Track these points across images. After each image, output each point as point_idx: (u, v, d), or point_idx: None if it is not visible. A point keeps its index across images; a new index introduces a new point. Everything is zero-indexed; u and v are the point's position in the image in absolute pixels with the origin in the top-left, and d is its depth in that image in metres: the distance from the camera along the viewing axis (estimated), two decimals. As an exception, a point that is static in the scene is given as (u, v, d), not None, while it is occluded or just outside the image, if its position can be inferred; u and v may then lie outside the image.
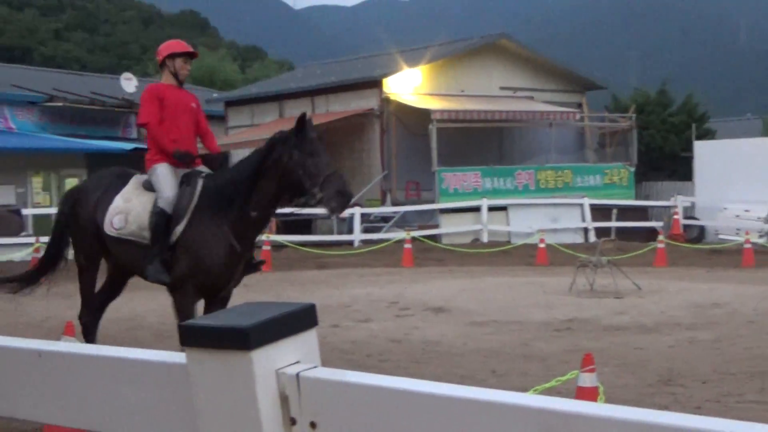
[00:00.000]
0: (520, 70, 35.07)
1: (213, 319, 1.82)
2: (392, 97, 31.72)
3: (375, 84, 32.11)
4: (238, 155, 25.62)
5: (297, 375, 1.72)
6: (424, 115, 30.26)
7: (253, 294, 15.00)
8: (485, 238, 28.74)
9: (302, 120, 8.03)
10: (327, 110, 33.25)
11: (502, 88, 34.19)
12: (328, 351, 10.37)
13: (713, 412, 8.00)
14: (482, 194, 29.64)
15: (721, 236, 29.22)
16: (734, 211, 29.51)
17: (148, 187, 8.65)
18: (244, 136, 33.21)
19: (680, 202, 30.90)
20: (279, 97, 35.41)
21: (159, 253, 8.32)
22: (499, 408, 1.52)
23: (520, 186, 30.71)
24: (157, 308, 13.42)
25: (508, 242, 28.08)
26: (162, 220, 8.34)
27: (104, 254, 9.01)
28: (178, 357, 1.89)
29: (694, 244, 28.20)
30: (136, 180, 8.83)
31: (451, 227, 29.09)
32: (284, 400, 1.72)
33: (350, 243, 27.57)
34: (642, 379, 9.40)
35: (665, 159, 36.17)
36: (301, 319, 1.80)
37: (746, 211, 29.19)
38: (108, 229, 8.63)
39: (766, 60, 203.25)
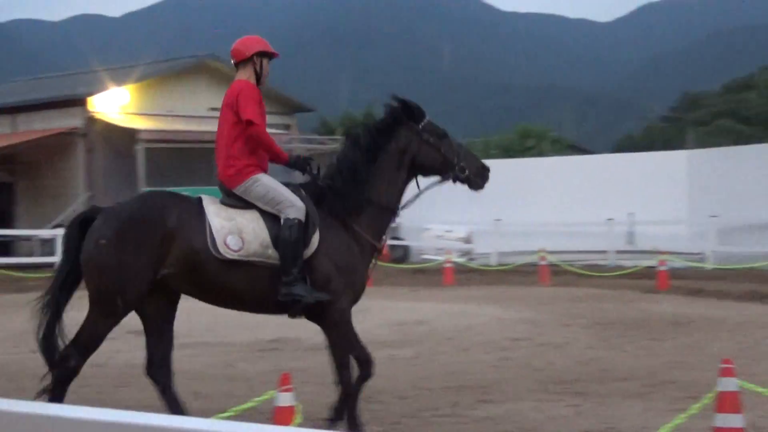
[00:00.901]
0: (230, 91, 35.03)
1: None
2: (98, 116, 30.94)
3: (80, 102, 31.24)
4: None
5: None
6: (131, 134, 29.67)
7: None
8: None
9: (406, 101, 7.81)
10: (30, 128, 31.96)
11: (211, 109, 34.02)
12: (26, 378, 9.92)
13: (410, 427, 8.26)
14: (191, 215, 29.31)
15: (424, 256, 30.28)
16: (437, 231, 30.68)
17: (231, 203, 7.54)
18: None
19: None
20: (-22, 114, 33.68)
21: (300, 270, 7.29)
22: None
23: (229, 207, 30.61)
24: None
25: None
26: (301, 233, 7.31)
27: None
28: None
29: (399, 263, 29.09)
30: (207, 199, 7.56)
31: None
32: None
33: (51, 265, 26.51)
34: (343, 396, 9.55)
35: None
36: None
37: (448, 231, 30.42)
38: (223, 251, 7.25)
39: (469, 84, 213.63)
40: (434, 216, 30.88)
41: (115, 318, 7.35)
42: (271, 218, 7.42)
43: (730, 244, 25.40)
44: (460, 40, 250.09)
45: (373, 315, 16.54)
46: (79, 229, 7.42)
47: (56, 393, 7.16)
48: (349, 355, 7.68)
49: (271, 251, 7.32)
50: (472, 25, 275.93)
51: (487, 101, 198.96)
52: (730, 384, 6.27)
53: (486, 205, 30.24)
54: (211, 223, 7.31)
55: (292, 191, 7.54)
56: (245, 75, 7.82)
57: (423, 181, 8.02)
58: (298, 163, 7.89)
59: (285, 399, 5.99)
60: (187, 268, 7.27)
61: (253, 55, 7.83)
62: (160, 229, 7.21)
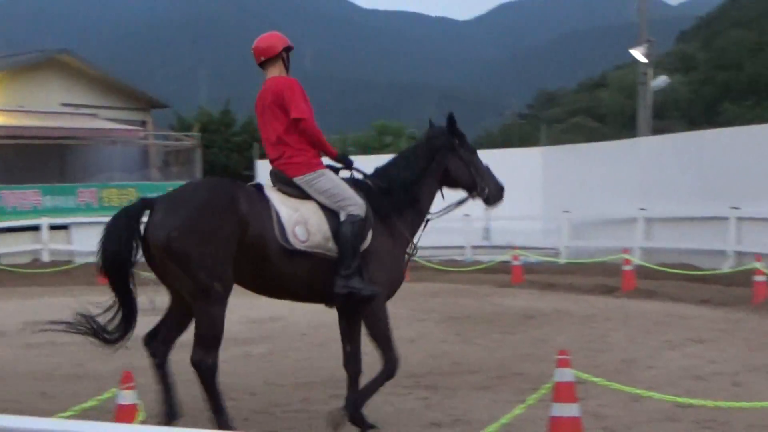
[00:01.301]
0: (83, 87, 34.32)
1: None
2: (-57, 110, 29.90)
3: (-76, 97, 30.12)
4: None
5: None
6: (-23, 130, 28.79)
7: None
8: (46, 258, 27.82)
9: (453, 119, 8.28)
10: None
11: (64, 105, 33.29)
12: None
13: (259, 423, 8.26)
14: (42, 212, 28.64)
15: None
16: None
17: (292, 193, 7.66)
18: None
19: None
20: None
21: (358, 264, 7.55)
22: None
23: (82, 204, 29.99)
24: None
25: (70, 261, 27.35)
26: (362, 229, 7.61)
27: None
28: None
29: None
30: (269, 189, 7.69)
31: (7, 247, 27.80)
32: None
33: None
34: (195, 394, 9.48)
35: (229, 177, 36.91)
36: None
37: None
38: (293, 241, 7.36)
39: (331, 82, 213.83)
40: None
41: (223, 301, 7.35)
42: (329, 212, 7.63)
43: (581, 239, 26.09)
44: (321, 38, 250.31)
45: (231, 312, 16.44)
46: (131, 220, 7.32)
47: (212, 391, 7.45)
48: (391, 339, 8.00)
49: (331, 244, 7.53)
50: (334, 23, 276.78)
51: (349, 99, 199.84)
52: (566, 375, 6.46)
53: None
54: (278, 211, 7.43)
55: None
56: (276, 71, 8.11)
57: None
58: (345, 159, 8.11)
59: (126, 397, 5.93)
60: (253, 256, 7.31)
61: (281, 51, 8.15)
62: (234, 217, 7.20)
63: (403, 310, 16.30)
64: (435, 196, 8.37)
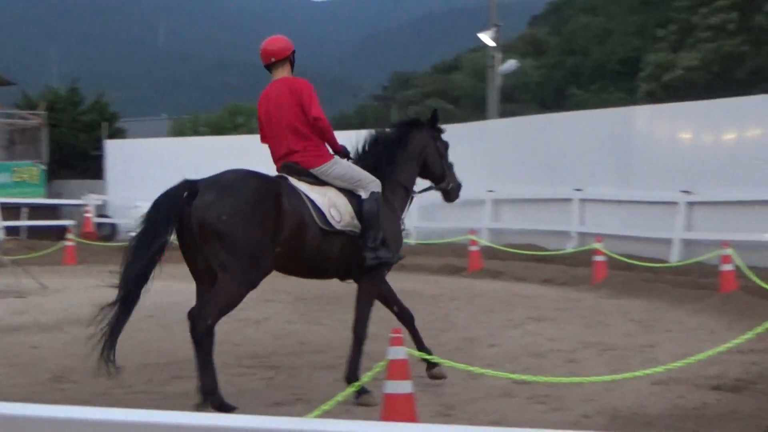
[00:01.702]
0: None
1: None
2: None
3: None
4: None
5: None
6: None
7: None
8: None
9: (437, 115, 9.51)
10: None
11: None
12: None
13: (100, 403, 8.21)
14: None
15: (132, 234, 29.77)
16: (145, 208, 30.20)
17: (311, 182, 8.33)
18: None
19: (92, 200, 30.96)
20: None
21: (382, 235, 8.40)
22: None
23: None
24: None
25: None
26: (381, 203, 8.48)
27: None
28: None
29: (107, 242, 28.50)
30: (292, 179, 8.29)
31: None
32: None
33: None
34: (34, 377, 9.37)
35: (77, 157, 36.07)
36: None
37: (157, 209, 30.11)
38: (332, 222, 8.15)
39: (187, 61, 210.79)
40: (143, 194, 30.46)
41: (253, 286, 7.87)
42: (347, 193, 8.41)
43: (431, 220, 26.48)
44: (176, 15, 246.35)
45: (75, 293, 16.28)
46: (176, 201, 7.75)
47: (201, 353, 7.73)
48: (371, 310, 8.88)
49: (356, 221, 8.32)
50: (189, 1, 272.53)
51: (204, 78, 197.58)
52: (399, 353, 6.63)
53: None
54: (311, 197, 8.13)
55: None
56: (285, 72, 8.82)
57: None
58: (345, 151, 8.81)
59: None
60: (294, 242, 7.91)
61: (290, 54, 8.84)
62: (279, 207, 7.78)
63: (251, 291, 16.33)
64: (415, 177, 9.21)
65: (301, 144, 8.43)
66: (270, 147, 8.66)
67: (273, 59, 8.75)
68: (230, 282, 7.63)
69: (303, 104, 8.46)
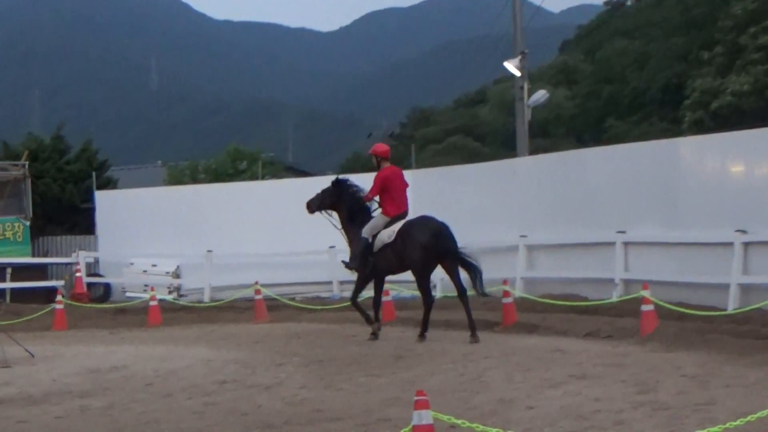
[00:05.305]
0: None
1: None
2: None
3: None
4: None
5: None
6: None
7: None
8: None
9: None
10: None
11: None
12: None
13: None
14: None
15: (128, 294, 29.87)
16: (141, 266, 30.36)
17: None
18: None
19: (82, 258, 31.03)
20: None
21: None
22: None
23: None
24: None
25: None
26: None
27: None
28: None
29: (99, 303, 28.58)
30: None
31: None
32: None
33: None
34: None
35: (64, 211, 36.15)
36: None
37: (153, 265, 30.17)
38: None
39: (182, 102, 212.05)
40: (138, 249, 30.56)
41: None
42: None
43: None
44: (169, 54, 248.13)
45: (65, 362, 16.34)
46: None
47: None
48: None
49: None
50: (183, 38, 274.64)
51: (201, 120, 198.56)
52: (424, 417, 6.60)
53: (196, 235, 30.26)
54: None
55: None
56: (389, 163, 18.40)
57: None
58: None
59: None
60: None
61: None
62: None
63: (260, 354, 16.36)
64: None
65: (406, 203, 18.65)
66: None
67: (384, 156, 18.60)
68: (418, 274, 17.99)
69: (403, 181, 18.63)
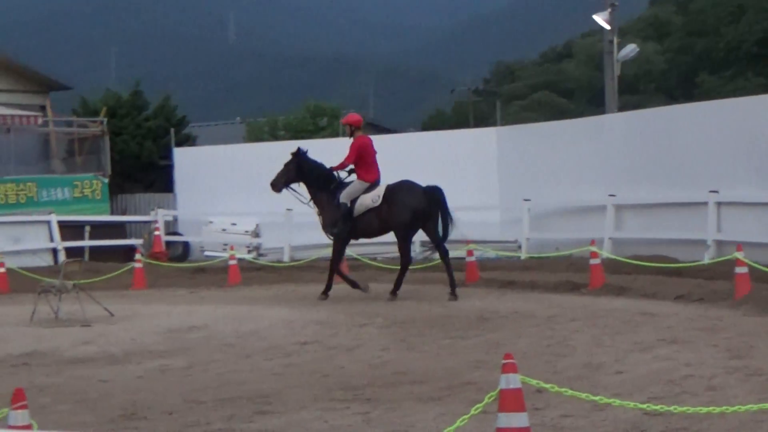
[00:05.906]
0: (-30, 66, 33.97)
1: None
2: None
3: None
4: None
5: None
6: None
7: None
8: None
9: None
10: None
11: None
12: None
13: (177, 445, 8.33)
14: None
15: (207, 253, 30.11)
16: (220, 224, 30.58)
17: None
18: None
19: (161, 216, 31.32)
20: None
21: None
22: None
23: (-26, 201, 29.80)
24: None
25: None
26: None
27: None
28: None
29: (178, 262, 28.91)
30: None
31: None
32: None
33: None
34: (102, 414, 9.55)
35: (143, 168, 36.52)
36: None
37: (233, 224, 30.38)
38: None
39: (258, 57, 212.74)
40: (217, 207, 30.80)
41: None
42: None
43: (544, 230, 26.26)
44: (246, 8, 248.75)
45: (145, 321, 16.57)
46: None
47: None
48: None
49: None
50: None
51: (277, 75, 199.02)
52: (512, 381, 6.58)
53: (275, 194, 30.34)
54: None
55: None
56: (361, 132, 19.39)
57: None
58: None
59: (19, 418, 5.97)
60: None
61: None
62: None
63: (341, 315, 16.44)
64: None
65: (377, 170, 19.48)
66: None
67: (357, 125, 19.49)
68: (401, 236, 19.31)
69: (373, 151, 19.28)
